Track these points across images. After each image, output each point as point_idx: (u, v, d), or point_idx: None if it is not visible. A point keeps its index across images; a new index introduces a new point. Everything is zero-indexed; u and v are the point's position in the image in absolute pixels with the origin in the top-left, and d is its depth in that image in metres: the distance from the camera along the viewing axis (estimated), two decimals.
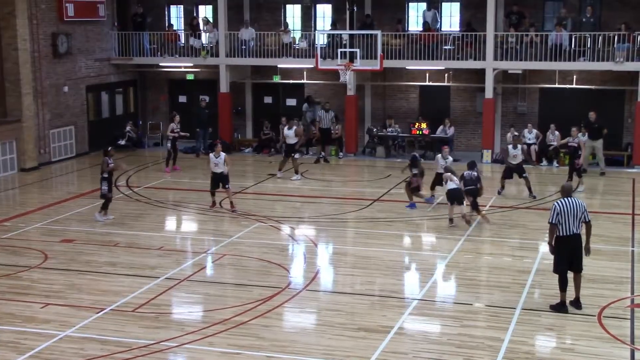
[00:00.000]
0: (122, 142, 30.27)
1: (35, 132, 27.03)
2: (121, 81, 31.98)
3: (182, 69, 32.15)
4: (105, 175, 19.80)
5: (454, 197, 19.16)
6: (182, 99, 32.83)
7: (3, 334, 12.74)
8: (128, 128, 30.73)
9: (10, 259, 16.88)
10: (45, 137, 27.71)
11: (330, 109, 29.28)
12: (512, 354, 11.90)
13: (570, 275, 13.52)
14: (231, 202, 20.97)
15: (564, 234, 13.27)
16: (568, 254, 13.37)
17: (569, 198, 13.42)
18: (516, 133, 26.03)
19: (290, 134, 25.18)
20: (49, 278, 15.59)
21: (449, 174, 19.50)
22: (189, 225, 20.67)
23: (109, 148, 20.64)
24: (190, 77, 32.33)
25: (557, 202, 13.41)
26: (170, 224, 20.63)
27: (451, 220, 19.22)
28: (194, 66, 31.56)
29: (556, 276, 13.59)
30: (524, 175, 22.31)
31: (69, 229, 19.38)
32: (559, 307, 13.49)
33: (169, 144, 26.33)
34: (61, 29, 28.14)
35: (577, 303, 13.54)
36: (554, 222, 13.26)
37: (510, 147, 22.66)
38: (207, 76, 31.58)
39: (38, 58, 27.12)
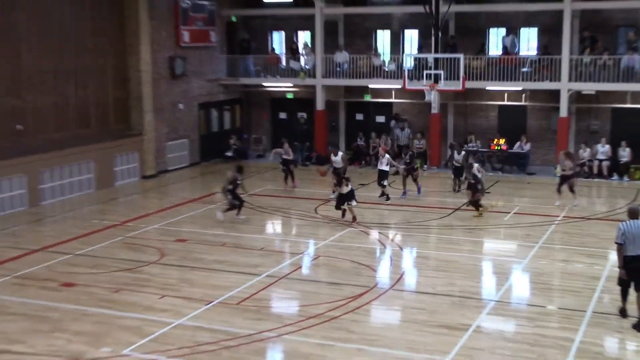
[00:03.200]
0: (229, 154, 30.77)
1: (155, 144, 27.75)
2: (229, 99, 32.55)
3: (283, 89, 32.57)
4: (230, 188, 20.33)
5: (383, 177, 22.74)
6: (282, 115, 33.27)
7: (128, 320, 13.17)
8: (232, 141, 31.22)
9: (132, 255, 17.42)
10: (163, 148, 28.46)
11: (406, 127, 29.36)
12: (582, 354, 11.69)
13: (632, 292, 12.88)
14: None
15: (629, 254, 12.54)
16: (632, 274, 12.63)
17: (634, 220, 12.61)
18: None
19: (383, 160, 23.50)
20: (165, 273, 16.02)
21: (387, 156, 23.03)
22: (288, 229, 20.89)
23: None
24: (289, 95, 32.72)
25: (622, 223, 12.68)
26: (272, 227, 20.88)
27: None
28: (293, 86, 31.95)
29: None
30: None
31: (182, 230, 19.85)
32: (621, 312, 13.11)
33: (282, 166, 25.39)
34: (178, 53, 28.89)
35: (638, 325, 12.59)
36: (620, 242, 12.57)
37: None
38: (305, 95, 31.92)
39: (158, 79, 27.87)
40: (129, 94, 27.26)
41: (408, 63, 28.81)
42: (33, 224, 20.82)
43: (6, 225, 20.51)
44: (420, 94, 27.33)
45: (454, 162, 24.55)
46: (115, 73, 26.77)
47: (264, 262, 16.77)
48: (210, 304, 13.95)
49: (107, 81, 26.48)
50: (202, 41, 30.12)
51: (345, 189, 20.07)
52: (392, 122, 30.36)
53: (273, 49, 33.13)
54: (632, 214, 12.75)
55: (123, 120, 27.23)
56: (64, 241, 18.66)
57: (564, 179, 22.08)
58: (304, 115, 31.07)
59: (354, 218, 20.14)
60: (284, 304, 14.27)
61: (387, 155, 23.22)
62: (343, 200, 20.20)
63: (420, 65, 27.74)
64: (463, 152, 24.42)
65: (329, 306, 13.78)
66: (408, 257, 17.57)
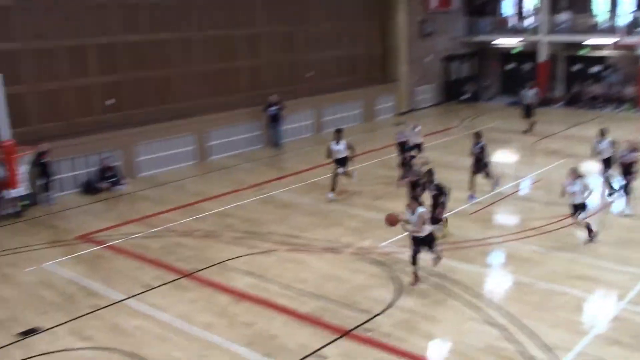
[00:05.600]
0: (466, 96, 29.95)
1: (407, 88, 27.64)
2: (466, 53, 31.28)
3: (510, 45, 30.64)
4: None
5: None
6: (509, 66, 31.39)
7: (381, 222, 13.08)
8: (468, 87, 30.18)
9: (387, 172, 17.18)
10: (413, 92, 28.24)
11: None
12: None
13: None
14: None
15: None
16: None
17: None
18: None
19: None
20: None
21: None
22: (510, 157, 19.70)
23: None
24: (514, 50, 30.71)
25: None
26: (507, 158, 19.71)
27: None
28: (520, 41, 29.90)
29: None
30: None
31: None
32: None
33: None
34: (426, 17, 28.22)
35: None
36: None
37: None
38: (529, 49, 29.74)
39: (410, 38, 27.48)
40: (388, 50, 27.23)
41: (625, 20, 25.62)
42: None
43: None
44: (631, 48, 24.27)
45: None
46: (378, 34, 26.79)
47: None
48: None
49: (372, 40, 26.59)
50: (445, 7, 29.05)
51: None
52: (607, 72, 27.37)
53: (502, 12, 31.11)
54: None
55: (383, 69, 27.32)
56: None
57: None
58: (528, 65, 28.94)
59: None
60: (505, 217, 13.65)
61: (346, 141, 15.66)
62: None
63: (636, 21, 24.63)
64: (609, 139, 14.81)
65: (543, 222, 13.07)
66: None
